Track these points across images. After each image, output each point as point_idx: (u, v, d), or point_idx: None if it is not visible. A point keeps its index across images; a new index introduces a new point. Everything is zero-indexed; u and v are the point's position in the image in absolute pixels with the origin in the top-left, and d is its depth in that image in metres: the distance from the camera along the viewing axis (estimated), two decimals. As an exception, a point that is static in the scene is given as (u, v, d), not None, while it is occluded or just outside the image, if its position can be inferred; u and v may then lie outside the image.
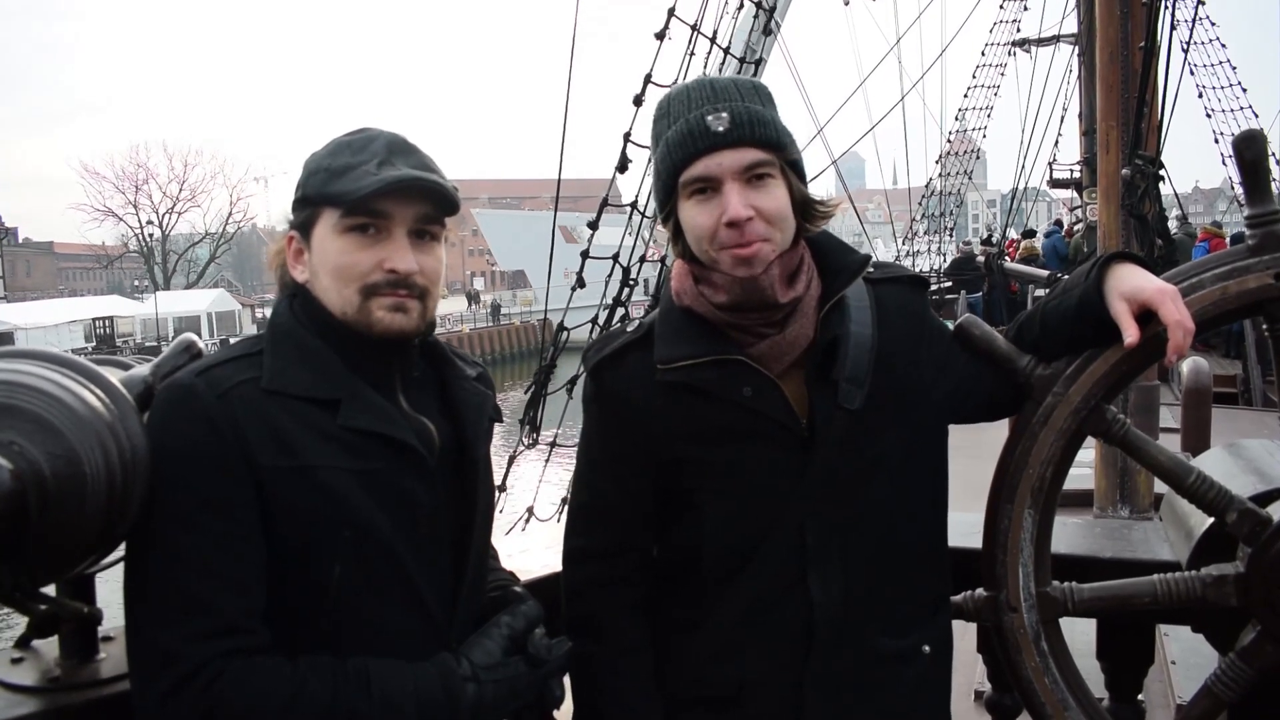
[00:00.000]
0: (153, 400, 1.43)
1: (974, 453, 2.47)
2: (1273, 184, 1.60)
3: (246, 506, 1.33)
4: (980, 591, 1.75)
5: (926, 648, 1.62)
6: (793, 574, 1.55)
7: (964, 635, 1.96)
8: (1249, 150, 1.58)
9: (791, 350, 1.54)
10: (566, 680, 1.64)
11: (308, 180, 1.44)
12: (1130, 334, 1.52)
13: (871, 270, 1.65)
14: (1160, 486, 1.72)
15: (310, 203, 1.44)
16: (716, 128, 1.46)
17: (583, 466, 1.71)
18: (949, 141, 27.37)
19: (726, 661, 1.59)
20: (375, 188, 1.38)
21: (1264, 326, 1.64)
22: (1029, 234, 20.00)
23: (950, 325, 1.73)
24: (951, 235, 25.28)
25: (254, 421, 1.35)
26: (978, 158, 29.06)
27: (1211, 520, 1.67)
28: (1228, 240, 12.86)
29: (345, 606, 1.38)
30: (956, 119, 27.47)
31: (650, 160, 1.61)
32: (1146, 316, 1.53)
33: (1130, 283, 1.55)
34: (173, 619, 1.29)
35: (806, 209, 1.55)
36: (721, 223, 1.46)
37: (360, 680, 1.34)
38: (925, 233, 24.97)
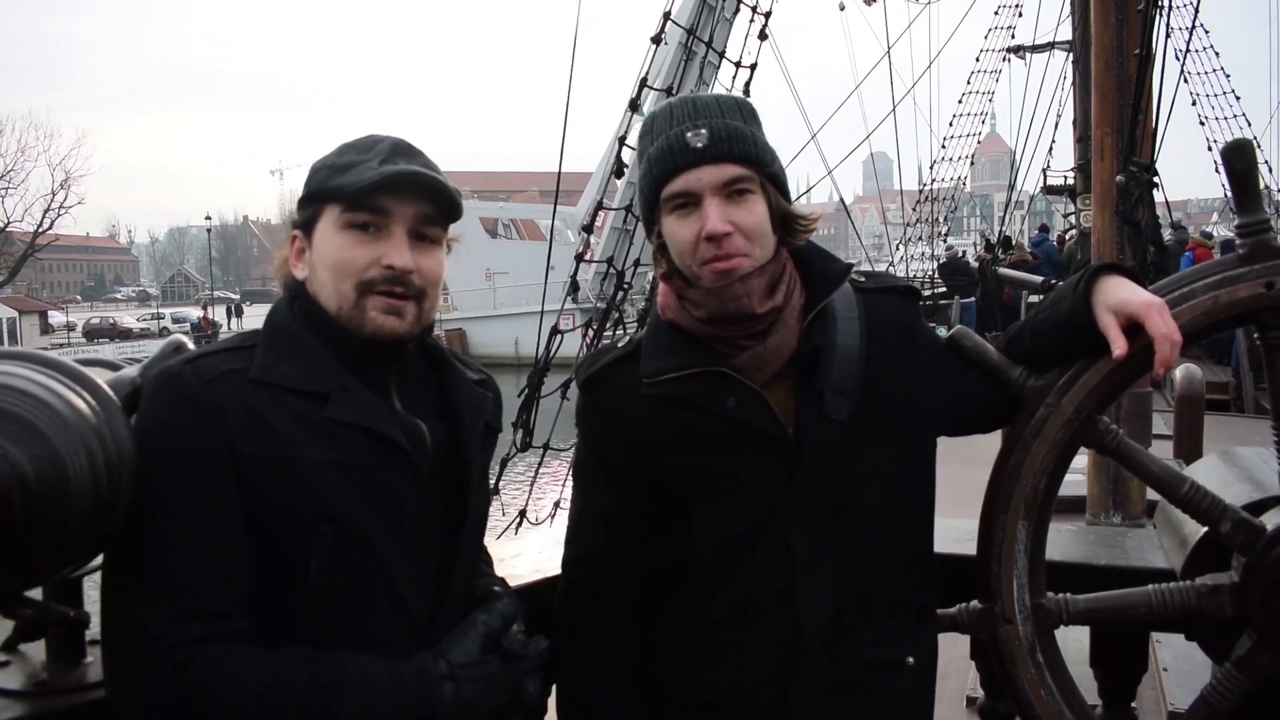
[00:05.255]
0: (139, 398, 1.42)
1: (965, 458, 2.46)
2: (1268, 191, 1.60)
3: (227, 493, 1.33)
4: (975, 603, 1.74)
5: (910, 659, 1.62)
6: (781, 584, 1.55)
7: (957, 642, 1.95)
8: (1238, 160, 1.58)
9: (774, 360, 1.55)
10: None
11: (312, 178, 1.47)
12: (1119, 347, 1.53)
13: (862, 280, 1.66)
14: (1153, 493, 1.72)
15: (313, 199, 1.46)
16: (696, 144, 1.48)
17: (577, 477, 1.73)
18: (945, 142, 27.42)
19: (716, 668, 1.60)
20: (375, 180, 1.39)
21: (1255, 335, 1.64)
22: (1006, 242, 20.00)
23: (944, 331, 1.73)
24: (945, 239, 25.35)
25: (238, 409, 1.35)
26: (973, 163, 29.15)
27: (1206, 528, 1.66)
28: (1213, 250, 12.91)
29: (323, 601, 1.37)
30: (950, 124, 27.58)
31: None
32: (1135, 328, 1.53)
33: (1117, 295, 1.55)
34: (149, 599, 1.29)
35: (787, 223, 1.56)
36: (701, 237, 1.48)
37: (336, 674, 1.33)
38: (946, 235, 25.05)
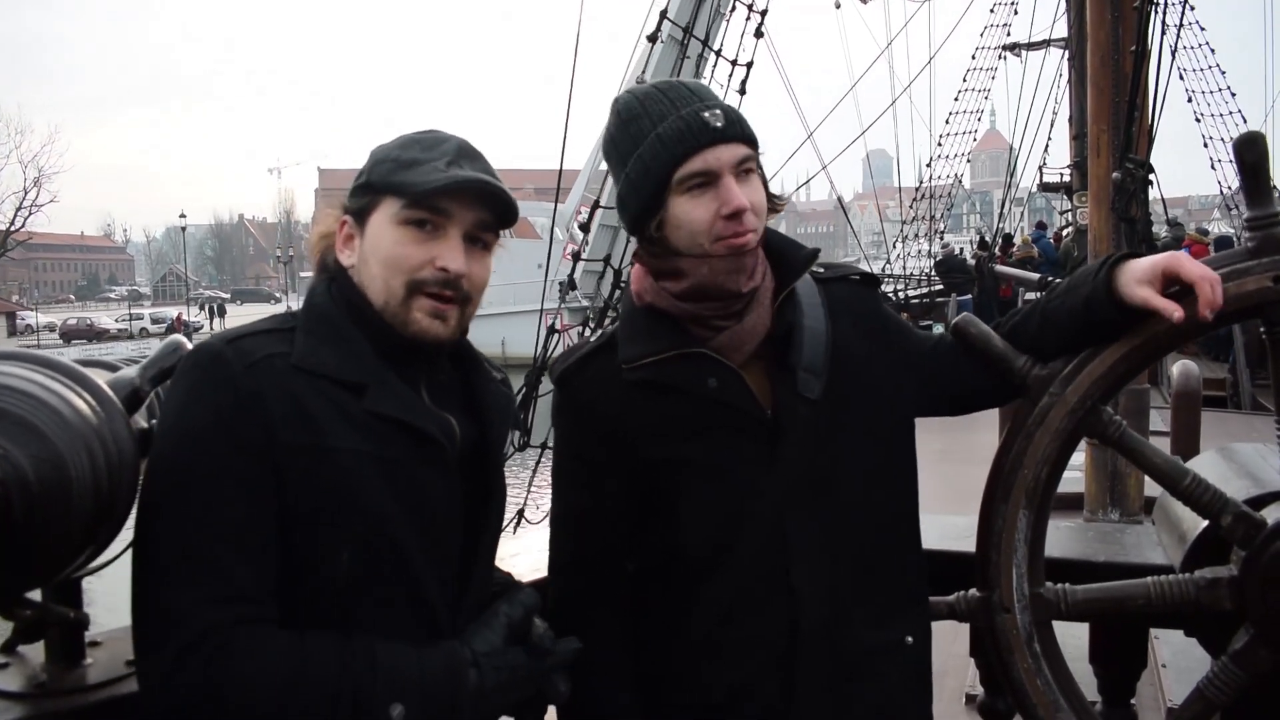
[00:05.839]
0: (139, 399, 1.42)
1: (964, 457, 2.48)
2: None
3: (262, 478, 1.31)
4: (973, 592, 1.74)
5: (910, 638, 1.63)
6: (775, 570, 1.55)
7: (956, 638, 1.96)
8: (1249, 153, 1.57)
9: (750, 340, 1.57)
10: None
11: (374, 168, 1.46)
12: (1174, 312, 1.51)
13: (821, 270, 1.69)
14: (1151, 490, 1.72)
15: (373, 189, 1.45)
16: (715, 124, 1.50)
17: (557, 478, 1.72)
18: (941, 140, 27.41)
19: (714, 666, 1.59)
20: (444, 184, 1.40)
21: (1262, 330, 1.64)
22: (1007, 239, 20.04)
23: (939, 328, 1.74)
24: (943, 236, 25.36)
25: (278, 395, 1.33)
26: (969, 161, 29.16)
27: (1205, 523, 1.66)
28: (1209, 247, 12.89)
29: (345, 592, 1.36)
30: (946, 122, 27.60)
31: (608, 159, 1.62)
32: (1147, 314, 1.53)
33: (1142, 266, 1.55)
34: (181, 581, 1.27)
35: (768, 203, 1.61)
36: (720, 215, 1.49)
37: (366, 658, 1.32)
38: (943, 232, 25.07)
